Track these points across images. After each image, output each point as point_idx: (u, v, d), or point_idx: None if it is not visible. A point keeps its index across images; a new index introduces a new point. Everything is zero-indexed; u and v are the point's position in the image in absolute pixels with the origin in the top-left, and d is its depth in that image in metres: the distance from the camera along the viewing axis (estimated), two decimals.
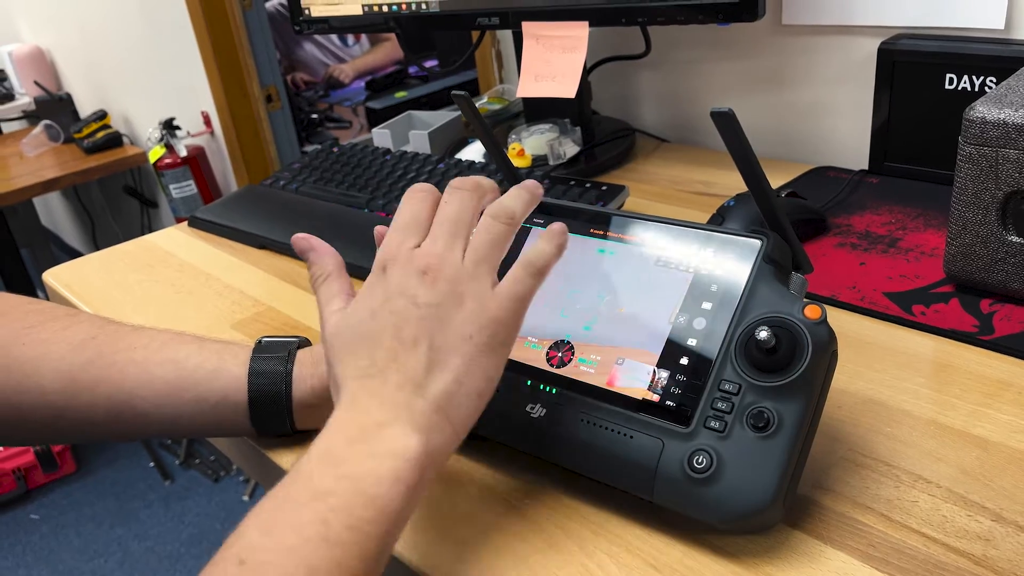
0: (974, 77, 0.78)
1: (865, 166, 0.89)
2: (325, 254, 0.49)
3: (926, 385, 0.55)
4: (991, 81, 0.77)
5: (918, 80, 0.82)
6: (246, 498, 2.17)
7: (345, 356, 0.43)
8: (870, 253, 0.72)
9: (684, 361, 0.45)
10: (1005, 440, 0.49)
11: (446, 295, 0.42)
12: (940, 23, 0.82)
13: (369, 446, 0.39)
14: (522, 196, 0.47)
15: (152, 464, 2.34)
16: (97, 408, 0.53)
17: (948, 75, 0.79)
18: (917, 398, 0.54)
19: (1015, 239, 0.59)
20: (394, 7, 1.01)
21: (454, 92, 0.52)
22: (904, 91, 0.83)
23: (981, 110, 0.58)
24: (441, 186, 0.89)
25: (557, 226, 0.46)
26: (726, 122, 0.42)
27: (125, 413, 0.53)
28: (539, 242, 0.45)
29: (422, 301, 0.42)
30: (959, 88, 0.79)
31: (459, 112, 1.15)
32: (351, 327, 0.43)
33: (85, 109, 2.77)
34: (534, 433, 0.48)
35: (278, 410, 0.54)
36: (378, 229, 0.51)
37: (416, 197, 0.47)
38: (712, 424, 0.43)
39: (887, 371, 0.57)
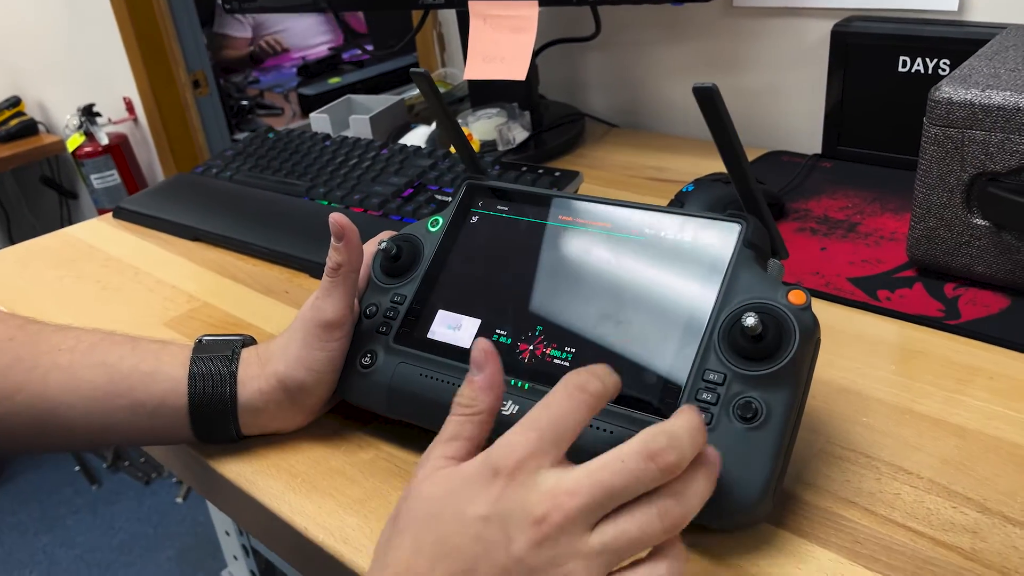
0: (928, 60, 0.77)
1: (818, 150, 0.88)
2: (489, 390, 0.38)
3: (898, 372, 0.54)
4: (945, 63, 0.76)
5: (871, 63, 0.81)
6: (179, 500, 2.09)
7: (407, 530, 0.35)
8: (830, 238, 0.71)
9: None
10: (982, 427, 0.48)
11: (546, 563, 0.33)
12: (893, 5, 0.82)
13: None
14: (702, 491, 0.35)
15: (78, 468, 2.23)
16: (17, 419, 0.48)
17: (902, 58, 0.78)
18: (890, 386, 0.53)
19: (980, 222, 0.59)
20: None
21: (413, 70, 0.48)
22: (857, 74, 0.82)
23: (947, 90, 0.57)
24: (385, 166, 0.85)
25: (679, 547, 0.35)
26: (708, 98, 0.39)
27: (49, 424, 0.49)
28: (673, 549, 0.35)
29: (515, 553, 0.33)
30: (912, 71, 0.78)
31: (401, 96, 1.11)
32: (432, 506, 0.35)
33: None
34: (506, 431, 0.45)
35: (222, 415, 0.50)
36: (334, 216, 0.47)
37: (577, 401, 0.35)
38: None
39: (858, 358, 0.55)
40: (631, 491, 0.34)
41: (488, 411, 0.38)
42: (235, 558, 1.07)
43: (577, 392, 0.35)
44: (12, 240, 3.02)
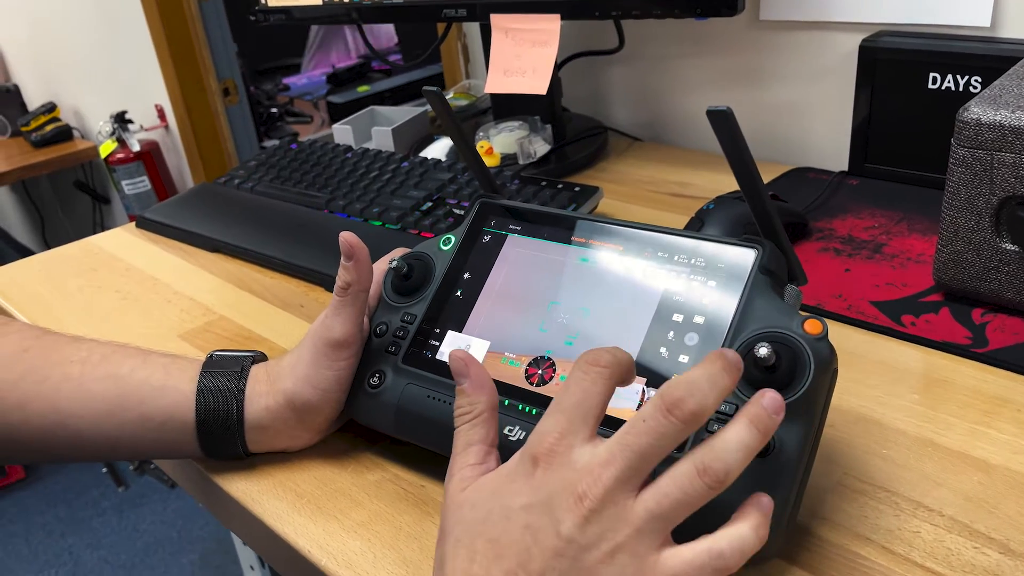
0: (958, 76, 0.75)
1: (845, 167, 0.86)
2: (481, 389, 0.39)
3: (920, 402, 0.52)
4: (976, 80, 0.74)
5: (900, 79, 0.79)
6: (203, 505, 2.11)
7: (460, 541, 0.35)
8: (854, 259, 0.69)
9: None
10: (1007, 462, 0.46)
11: (596, 538, 0.33)
12: (923, 20, 0.80)
13: None
14: (741, 439, 0.33)
15: (105, 470, 2.26)
16: (27, 429, 0.48)
17: (932, 74, 0.77)
18: (912, 416, 0.51)
19: (1010, 247, 0.57)
20: None
21: (425, 88, 0.48)
22: (885, 90, 0.81)
23: (976, 111, 0.55)
24: (405, 179, 0.85)
25: (765, 500, 0.35)
26: (723, 121, 0.38)
27: (58, 434, 0.49)
28: (738, 524, 0.34)
29: (565, 533, 0.33)
30: (943, 88, 0.76)
31: (424, 108, 1.11)
32: (479, 511, 0.36)
33: (33, 102, 2.67)
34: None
35: (228, 431, 0.49)
36: (344, 235, 0.47)
37: (593, 375, 0.35)
38: None
39: (879, 387, 0.54)
40: (660, 448, 0.33)
41: (489, 409, 0.39)
42: (251, 568, 1.07)
43: (591, 367, 0.35)
44: (47, 240, 3.07)
